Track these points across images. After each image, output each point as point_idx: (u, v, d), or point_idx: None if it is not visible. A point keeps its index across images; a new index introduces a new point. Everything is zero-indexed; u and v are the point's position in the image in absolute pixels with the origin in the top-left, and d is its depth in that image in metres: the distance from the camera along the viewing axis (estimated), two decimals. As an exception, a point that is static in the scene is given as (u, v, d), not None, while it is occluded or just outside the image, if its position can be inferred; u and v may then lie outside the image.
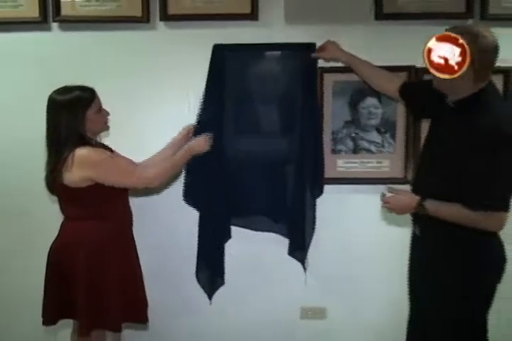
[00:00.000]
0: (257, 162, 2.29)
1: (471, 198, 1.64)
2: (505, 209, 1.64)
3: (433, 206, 1.72)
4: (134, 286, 2.00)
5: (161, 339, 2.47)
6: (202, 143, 2.09)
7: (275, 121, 2.29)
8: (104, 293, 1.90)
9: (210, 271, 2.31)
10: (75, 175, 1.82)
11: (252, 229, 2.33)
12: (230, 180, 2.27)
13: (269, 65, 2.27)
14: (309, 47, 2.20)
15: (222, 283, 2.34)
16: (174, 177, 2.27)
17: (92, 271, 1.88)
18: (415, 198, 1.76)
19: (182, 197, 2.28)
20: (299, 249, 2.31)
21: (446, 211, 1.70)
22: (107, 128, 2.00)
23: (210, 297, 2.35)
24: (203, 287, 2.33)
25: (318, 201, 2.30)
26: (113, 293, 1.91)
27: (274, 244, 2.36)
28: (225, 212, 2.28)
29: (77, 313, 1.90)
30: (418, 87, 2.09)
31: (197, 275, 2.31)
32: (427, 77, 2.13)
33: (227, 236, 2.34)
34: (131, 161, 2.00)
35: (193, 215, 2.28)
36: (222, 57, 2.21)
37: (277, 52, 2.26)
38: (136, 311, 2.02)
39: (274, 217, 2.32)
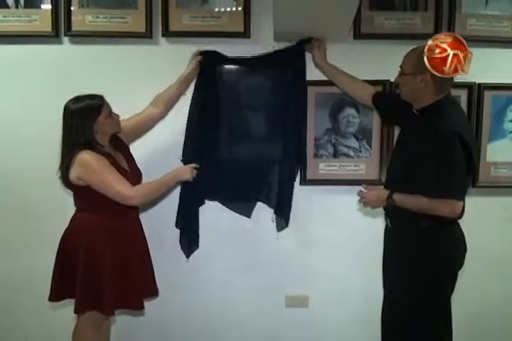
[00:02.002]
0: (246, 159, 2.45)
1: (429, 189, 1.87)
2: (457, 197, 1.86)
3: (399, 198, 1.95)
4: (129, 275, 2.08)
5: (154, 326, 2.61)
6: (187, 171, 2.15)
7: (265, 126, 2.46)
8: (98, 278, 2.01)
9: (186, 234, 2.48)
10: (74, 174, 2.00)
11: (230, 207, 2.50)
12: (219, 169, 2.43)
13: (260, 74, 2.44)
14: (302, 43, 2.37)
15: (196, 246, 2.50)
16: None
17: (89, 257, 2.02)
18: (385, 192, 2.00)
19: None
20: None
21: (410, 201, 1.93)
22: (119, 130, 2.16)
23: (187, 257, 2.50)
24: (182, 248, 2.48)
25: (302, 199, 2.48)
26: (106, 279, 2.02)
27: (263, 236, 2.53)
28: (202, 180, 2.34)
29: (75, 293, 2.04)
30: (389, 97, 2.34)
31: (180, 238, 2.48)
32: (398, 91, 2.40)
33: (201, 201, 2.49)
34: (122, 179, 2.03)
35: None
36: (214, 65, 2.38)
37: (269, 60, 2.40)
38: (131, 298, 2.11)
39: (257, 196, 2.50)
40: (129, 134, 2.29)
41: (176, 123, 2.45)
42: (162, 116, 2.38)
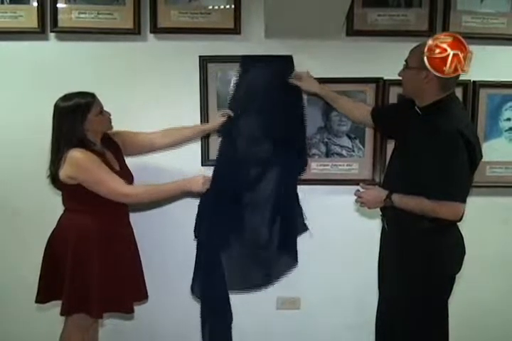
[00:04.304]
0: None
1: (431, 190, 1.82)
2: (460, 199, 1.82)
3: (399, 198, 1.91)
4: (118, 277, 2.05)
5: (144, 329, 2.57)
6: (198, 183, 2.07)
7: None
8: (85, 280, 1.98)
9: None
10: (64, 172, 1.97)
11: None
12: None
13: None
14: (287, 59, 2.33)
15: None
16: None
17: (77, 258, 1.98)
18: (384, 192, 1.95)
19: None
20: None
21: (410, 202, 1.88)
22: (110, 127, 2.12)
23: None
24: None
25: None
26: (94, 281, 1.99)
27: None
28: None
29: (62, 295, 2.01)
30: (387, 108, 2.31)
31: None
32: (393, 89, 2.37)
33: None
34: (115, 176, 2.00)
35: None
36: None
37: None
38: (120, 301, 2.07)
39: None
40: (126, 146, 2.23)
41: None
42: (162, 148, 2.33)
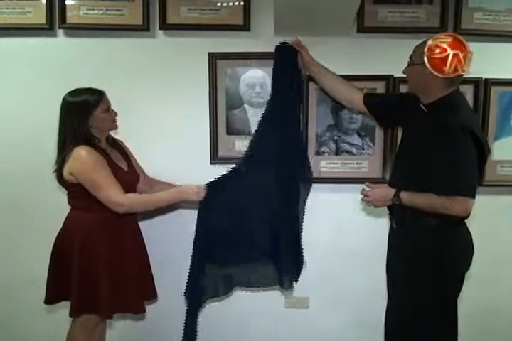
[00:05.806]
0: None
1: (440, 185, 1.80)
2: (469, 195, 1.79)
3: (408, 196, 1.88)
4: (127, 276, 2.03)
5: (152, 328, 2.55)
6: (193, 192, 2.07)
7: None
8: (93, 280, 1.97)
9: None
10: (68, 170, 1.95)
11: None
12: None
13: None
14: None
15: None
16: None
17: (84, 258, 1.97)
18: (391, 190, 1.93)
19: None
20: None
21: (418, 199, 1.86)
22: (115, 127, 2.10)
23: None
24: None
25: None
26: (102, 281, 1.97)
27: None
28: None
29: (70, 296, 2.00)
30: (383, 96, 2.28)
31: None
32: (403, 86, 2.34)
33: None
34: (114, 183, 1.96)
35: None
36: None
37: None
38: (131, 301, 2.06)
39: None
40: None
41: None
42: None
